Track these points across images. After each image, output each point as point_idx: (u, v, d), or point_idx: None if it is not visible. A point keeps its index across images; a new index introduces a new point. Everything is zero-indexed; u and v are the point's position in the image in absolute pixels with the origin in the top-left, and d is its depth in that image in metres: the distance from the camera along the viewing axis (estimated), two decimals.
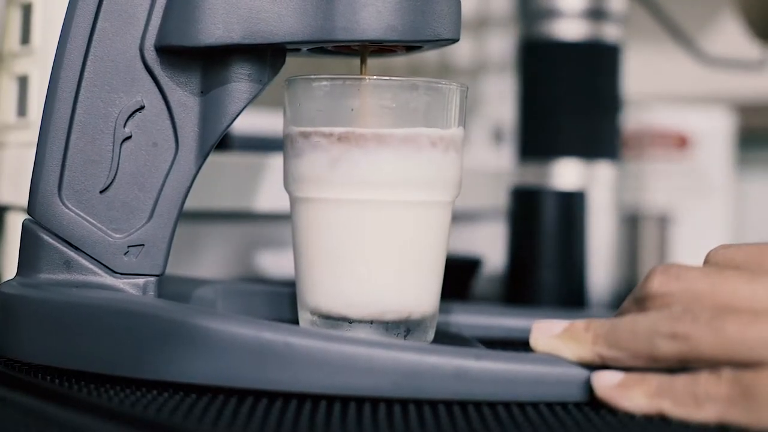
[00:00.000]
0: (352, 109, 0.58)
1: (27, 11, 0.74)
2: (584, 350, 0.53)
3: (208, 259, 0.85)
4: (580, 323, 0.54)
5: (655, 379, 0.50)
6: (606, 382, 0.51)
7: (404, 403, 0.52)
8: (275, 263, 0.86)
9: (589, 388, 0.52)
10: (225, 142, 0.88)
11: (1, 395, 0.53)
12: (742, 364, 0.48)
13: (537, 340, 0.55)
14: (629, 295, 0.55)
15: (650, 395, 0.50)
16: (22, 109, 0.74)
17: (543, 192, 0.87)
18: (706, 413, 0.49)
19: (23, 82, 0.74)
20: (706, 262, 0.55)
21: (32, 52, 0.73)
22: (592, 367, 0.52)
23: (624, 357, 0.51)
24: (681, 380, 0.50)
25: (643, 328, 0.51)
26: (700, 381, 0.49)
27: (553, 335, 0.54)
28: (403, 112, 0.58)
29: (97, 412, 0.49)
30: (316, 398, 0.52)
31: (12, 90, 0.75)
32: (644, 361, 0.51)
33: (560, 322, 0.54)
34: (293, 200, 0.60)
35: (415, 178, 0.58)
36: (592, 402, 0.52)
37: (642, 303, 0.53)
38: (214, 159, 0.62)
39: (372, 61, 0.63)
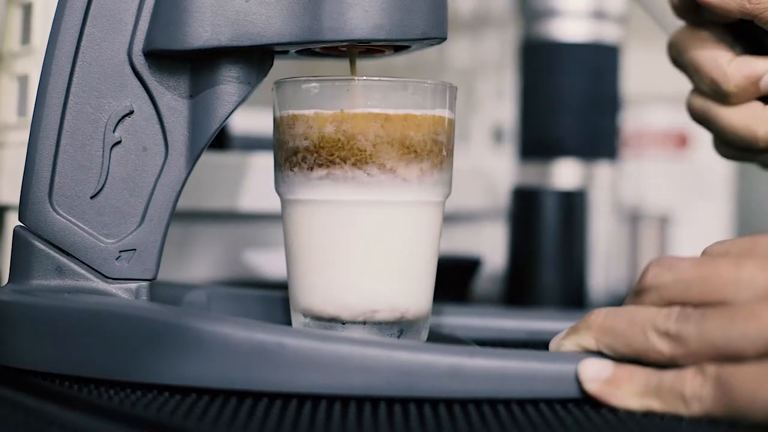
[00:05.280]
0: (342, 110, 0.58)
1: (27, 11, 0.74)
2: (583, 338, 0.53)
3: (200, 260, 0.85)
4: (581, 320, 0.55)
5: (643, 378, 0.51)
6: (593, 375, 0.51)
7: (404, 402, 0.52)
8: (269, 263, 0.86)
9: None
10: (224, 142, 0.88)
11: (1, 395, 0.53)
12: (725, 359, 0.49)
13: (550, 348, 0.56)
14: (630, 290, 0.55)
15: (639, 395, 0.50)
16: (22, 109, 0.74)
17: (543, 192, 0.87)
18: (694, 411, 0.49)
19: (23, 81, 0.74)
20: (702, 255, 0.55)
21: (32, 52, 0.73)
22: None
23: (619, 345, 0.52)
24: (668, 379, 0.50)
25: (639, 320, 0.51)
26: (687, 380, 0.49)
27: (559, 338, 0.55)
28: None
29: (97, 413, 0.50)
30: (315, 398, 0.52)
31: (12, 90, 0.75)
32: (636, 353, 0.51)
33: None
34: (284, 202, 0.60)
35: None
36: (589, 398, 0.52)
37: (639, 295, 0.53)
38: (206, 159, 0.62)
39: (371, 62, 0.63)
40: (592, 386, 0.51)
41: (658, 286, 0.52)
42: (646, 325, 0.51)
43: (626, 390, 0.51)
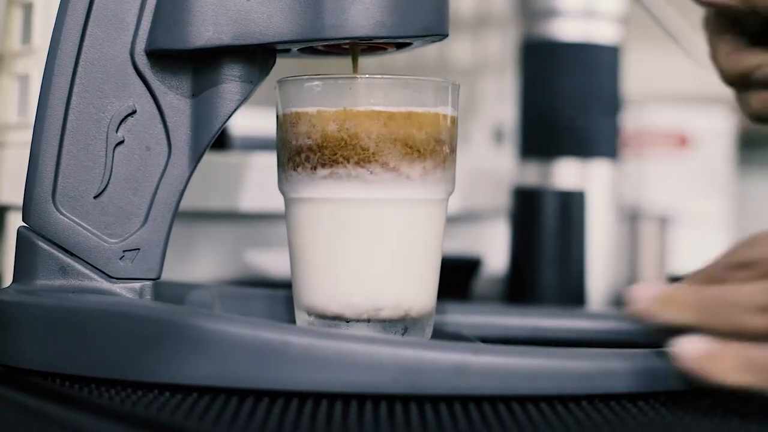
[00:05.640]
0: (345, 108, 0.58)
1: (28, 11, 0.74)
2: (683, 314, 0.51)
3: (203, 259, 0.85)
4: (679, 287, 0.53)
5: (742, 353, 0.49)
6: (692, 352, 0.50)
7: (406, 400, 0.52)
8: (271, 262, 0.86)
9: (587, 380, 0.52)
10: (225, 142, 0.88)
11: (1, 395, 0.53)
12: None
13: (636, 303, 0.53)
14: (723, 258, 0.53)
15: (738, 370, 0.49)
16: (23, 109, 0.74)
17: (543, 192, 0.87)
18: None
19: (24, 81, 0.74)
20: None
21: (33, 52, 0.73)
22: (588, 361, 0.52)
23: (715, 321, 0.50)
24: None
25: (737, 296, 0.50)
26: None
27: (651, 296, 0.52)
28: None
29: (98, 412, 0.50)
30: (317, 397, 0.52)
31: (13, 90, 0.75)
32: (734, 328, 0.50)
33: (659, 285, 0.53)
34: (287, 201, 0.60)
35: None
36: (590, 396, 0.52)
37: (744, 269, 0.52)
38: (208, 159, 0.62)
39: (371, 61, 0.63)
40: (691, 363, 0.50)
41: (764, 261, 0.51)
42: (744, 301, 0.50)
43: (725, 366, 0.49)
